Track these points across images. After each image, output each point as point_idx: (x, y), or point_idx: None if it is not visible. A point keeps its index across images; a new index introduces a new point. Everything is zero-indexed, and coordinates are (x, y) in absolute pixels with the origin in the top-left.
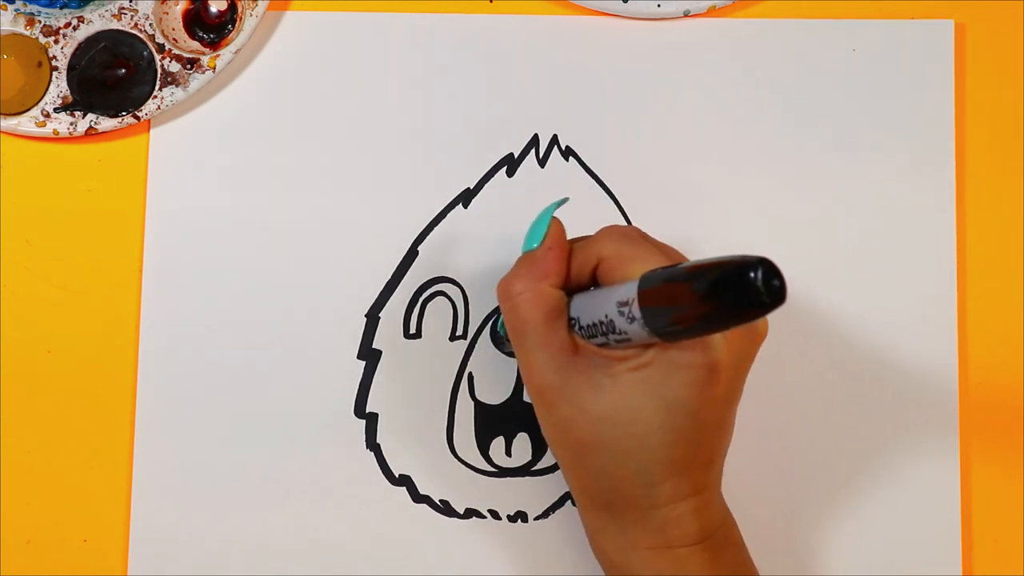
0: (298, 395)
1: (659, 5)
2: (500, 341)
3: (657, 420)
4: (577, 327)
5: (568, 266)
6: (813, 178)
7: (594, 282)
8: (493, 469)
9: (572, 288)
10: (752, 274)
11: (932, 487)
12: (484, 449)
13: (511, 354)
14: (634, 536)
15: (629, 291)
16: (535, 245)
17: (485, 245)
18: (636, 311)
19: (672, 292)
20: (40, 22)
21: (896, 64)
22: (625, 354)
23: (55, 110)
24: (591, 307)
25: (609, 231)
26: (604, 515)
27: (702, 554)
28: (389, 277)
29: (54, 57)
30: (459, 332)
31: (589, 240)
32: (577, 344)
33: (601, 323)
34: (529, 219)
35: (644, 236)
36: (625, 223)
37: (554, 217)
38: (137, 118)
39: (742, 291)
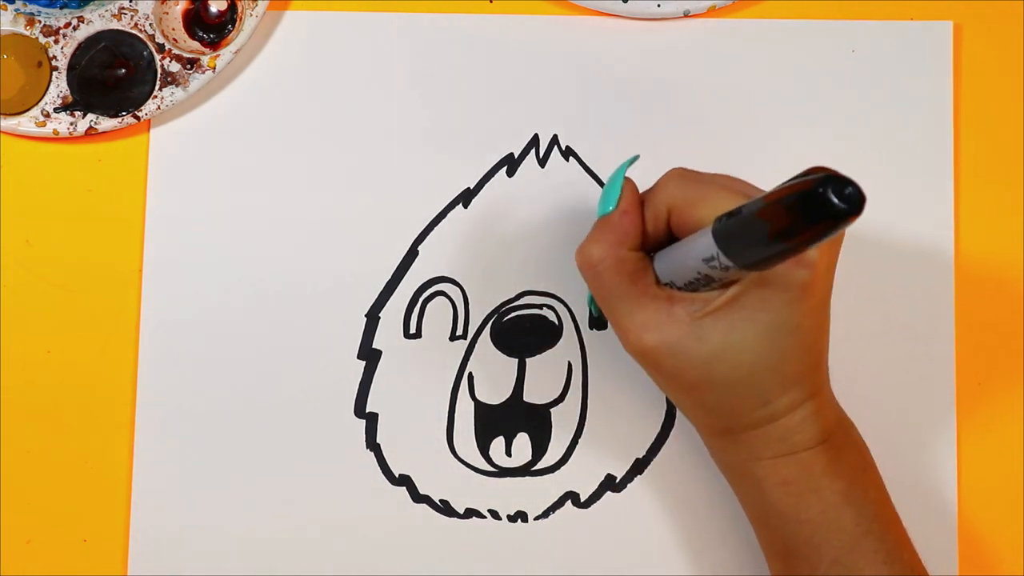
0: (298, 395)
1: (659, 5)
2: (596, 322)
3: (763, 345)
4: (674, 289)
5: (643, 225)
6: None
7: (670, 233)
8: (493, 469)
9: (651, 245)
10: (821, 190)
11: (928, 488)
12: (484, 449)
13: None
14: (757, 449)
15: (709, 245)
16: (610, 208)
17: (485, 245)
18: (725, 260)
19: (751, 233)
20: (40, 22)
21: (895, 65)
22: (719, 291)
23: (55, 110)
24: (680, 266)
25: (669, 177)
26: (725, 438)
27: (825, 454)
28: (389, 277)
29: (54, 57)
30: (459, 332)
31: (654, 191)
32: (672, 295)
33: (698, 279)
34: (529, 219)
35: (702, 174)
36: None
37: (627, 178)
38: (137, 118)
39: (820, 211)
